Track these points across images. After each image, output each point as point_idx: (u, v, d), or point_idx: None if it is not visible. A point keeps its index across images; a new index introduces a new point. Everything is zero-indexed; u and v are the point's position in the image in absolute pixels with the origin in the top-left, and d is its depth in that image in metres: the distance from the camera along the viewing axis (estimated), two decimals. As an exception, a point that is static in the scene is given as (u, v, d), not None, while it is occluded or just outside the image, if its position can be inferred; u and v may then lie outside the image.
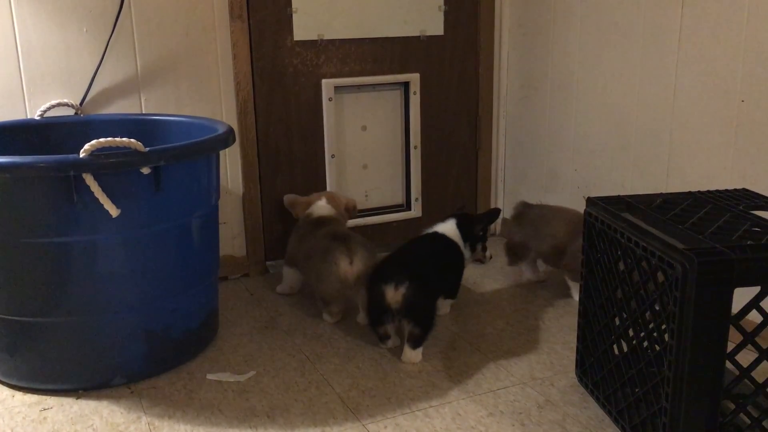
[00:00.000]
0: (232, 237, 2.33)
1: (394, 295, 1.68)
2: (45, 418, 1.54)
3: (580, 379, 1.62)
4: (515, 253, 2.23)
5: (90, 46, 2.03)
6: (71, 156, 1.44)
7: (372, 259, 1.91)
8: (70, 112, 2.04)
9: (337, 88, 2.38)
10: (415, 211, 2.59)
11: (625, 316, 1.41)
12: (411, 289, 1.68)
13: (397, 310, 1.70)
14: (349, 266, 1.87)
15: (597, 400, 1.54)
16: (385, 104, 2.51)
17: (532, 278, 2.26)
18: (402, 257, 1.85)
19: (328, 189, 2.42)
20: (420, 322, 1.71)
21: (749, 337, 1.23)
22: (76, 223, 1.50)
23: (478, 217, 2.04)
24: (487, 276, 2.33)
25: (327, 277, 1.89)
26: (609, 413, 1.48)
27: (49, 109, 2.00)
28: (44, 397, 1.62)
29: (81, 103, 2.04)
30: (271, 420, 1.52)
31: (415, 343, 1.74)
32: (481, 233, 2.02)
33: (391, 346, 1.82)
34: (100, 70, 2.04)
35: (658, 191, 1.94)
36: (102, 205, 1.47)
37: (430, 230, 1.99)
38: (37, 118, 1.99)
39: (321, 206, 2.14)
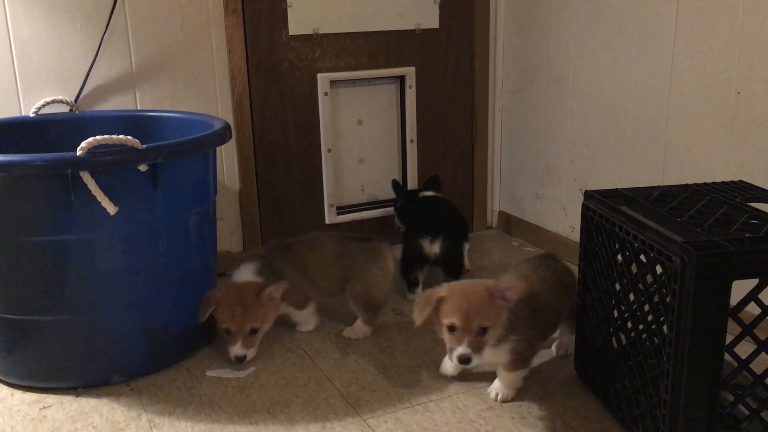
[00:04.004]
0: (229, 233, 2.32)
1: (431, 248, 2.02)
2: (45, 417, 1.54)
3: (579, 372, 1.63)
4: None
5: (84, 42, 2.02)
6: (68, 154, 1.43)
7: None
8: (65, 109, 2.03)
9: (333, 83, 2.38)
10: (412, 204, 2.59)
11: (623, 308, 1.42)
12: (444, 242, 2.03)
13: (434, 261, 2.05)
14: (394, 264, 1.91)
15: (596, 392, 1.55)
16: (381, 98, 2.50)
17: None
18: (429, 217, 2.17)
19: (324, 184, 2.42)
20: (452, 270, 2.07)
21: (748, 329, 1.24)
22: (74, 222, 1.50)
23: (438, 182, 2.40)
24: (485, 269, 2.33)
25: (379, 279, 1.85)
26: (608, 405, 1.49)
27: (43, 106, 1.99)
28: (44, 395, 1.62)
29: (76, 100, 2.04)
30: (271, 416, 1.52)
31: None
32: None
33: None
34: (95, 66, 2.03)
35: (655, 184, 1.95)
36: (100, 203, 1.47)
37: (427, 194, 2.31)
38: (32, 115, 1.98)
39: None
